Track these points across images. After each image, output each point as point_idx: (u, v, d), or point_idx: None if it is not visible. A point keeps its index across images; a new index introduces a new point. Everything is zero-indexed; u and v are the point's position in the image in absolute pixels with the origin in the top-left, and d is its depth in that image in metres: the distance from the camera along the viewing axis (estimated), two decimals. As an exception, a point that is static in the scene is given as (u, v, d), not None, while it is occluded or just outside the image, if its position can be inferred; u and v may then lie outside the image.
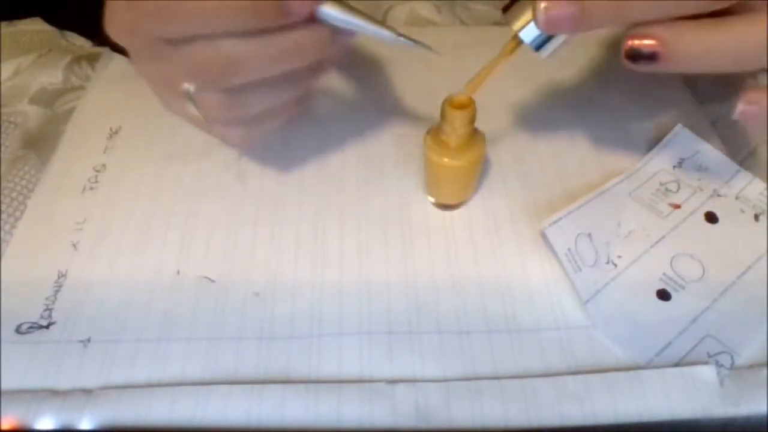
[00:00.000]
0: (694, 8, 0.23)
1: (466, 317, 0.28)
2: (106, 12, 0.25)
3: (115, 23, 0.25)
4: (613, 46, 0.41)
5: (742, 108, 0.25)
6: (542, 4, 0.22)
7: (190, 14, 0.21)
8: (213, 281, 0.29)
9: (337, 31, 0.24)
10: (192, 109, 0.26)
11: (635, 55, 0.24)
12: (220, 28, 0.22)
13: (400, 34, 0.24)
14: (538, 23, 0.23)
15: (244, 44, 0.23)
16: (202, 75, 0.23)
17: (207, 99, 0.25)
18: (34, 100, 0.40)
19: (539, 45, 0.25)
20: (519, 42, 0.25)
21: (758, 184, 0.31)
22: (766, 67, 0.23)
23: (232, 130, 0.27)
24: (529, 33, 0.24)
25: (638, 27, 0.23)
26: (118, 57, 0.40)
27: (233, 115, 0.26)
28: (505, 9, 0.25)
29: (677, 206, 0.31)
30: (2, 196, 0.33)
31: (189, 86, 0.25)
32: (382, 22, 0.24)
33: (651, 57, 0.23)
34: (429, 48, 0.25)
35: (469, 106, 0.27)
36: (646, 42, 0.23)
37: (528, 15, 0.24)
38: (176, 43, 0.23)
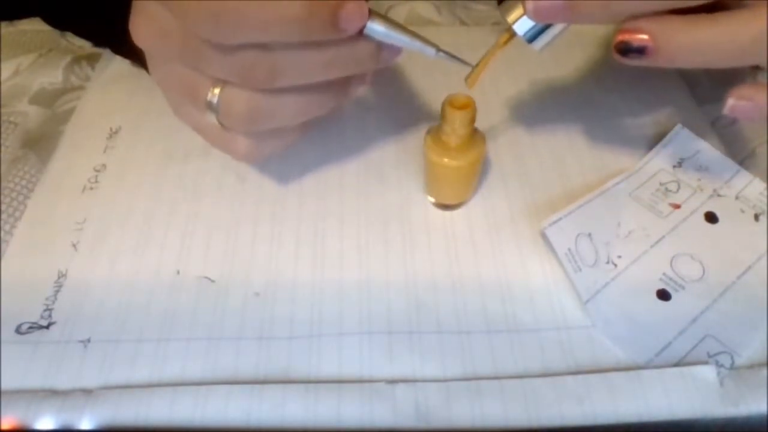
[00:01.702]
0: (681, 2, 0.23)
1: (466, 317, 0.28)
2: (133, 14, 0.25)
3: (144, 26, 0.25)
4: (613, 46, 0.41)
5: (732, 103, 0.25)
6: None
7: (249, 22, 0.21)
8: (213, 281, 0.29)
9: (382, 47, 0.25)
10: (210, 118, 0.26)
11: (625, 49, 0.24)
12: (275, 38, 0.22)
13: (441, 50, 0.25)
14: (528, 12, 0.24)
15: (294, 53, 0.23)
16: (249, 79, 0.24)
17: (233, 108, 0.25)
18: (34, 100, 0.40)
19: (532, 37, 0.25)
20: (512, 34, 0.26)
21: (758, 184, 0.31)
22: (759, 63, 0.23)
23: (242, 143, 0.28)
24: (522, 25, 0.25)
25: (629, 21, 0.24)
26: (118, 57, 0.40)
27: (254, 126, 0.26)
28: (501, 1, 0.25)
29: (677, 206, 0.31)
30: (2, 196, 0.33)
31: (213, 96, 0.25)
32: (424, 38, 0.25)
33: (641, 51, 0.24)
34: (468, 64, 0.27)
35: (469, 106, 0.27)
36: (636, 36, 0.23)
37: (521, 8, 0.24)
38: (226, 48, 0.23)
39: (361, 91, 0.28)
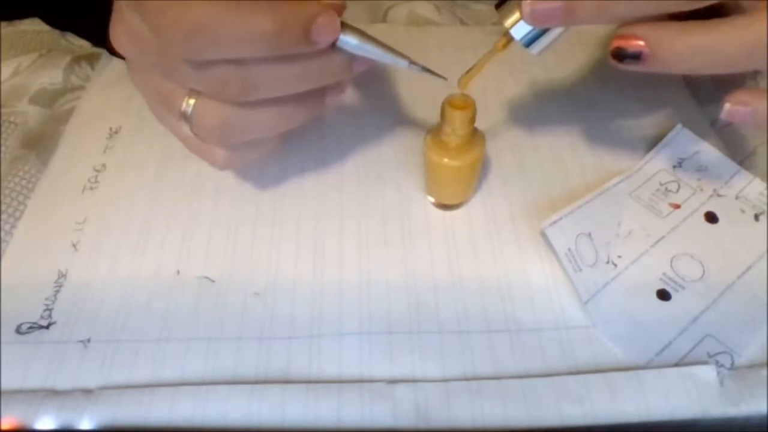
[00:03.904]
0: (677, 6, 0.23)
1: (466, 317, 0.28)
2: (112, 23, 0.25)
3: (121, 35, 0.25)
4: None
5: (729, 108, 0.25)
6: None
7: (222, 39, 0.21)
8: (213, 281, 0.29)
9: (354, 58, 0.25)
10: (185, 128, 0.26)
11: (621, 55, 0.24)
12: (248, 54, 0.23)
13: (413, 62, 0.26)
14: (525, 16, 0.24)
15: (268, 67, 0.23)
16: (223, 93, 0.24)
17: (206, 121, 0.25)
18: (34, 100, 0.40)
19: (529, 41, 0.25)
20: (510, 38, 0.26)
21: (758, 184, 0.31)
22: (757, 69, 0.23)
23: (219, 153, 0.28)
24: (520, 30, 0.25)
25: (625, 27, 0.24)
26: (118, 57, 0.40)
27: (228, 139, 0.26)
28: (498, 6, 0.26)
29: (677, 206, 0.31)
30: (2, 196, 0.33)
31: (187, 106, 0.25)
32: (396, 51, 0.25)
33: (636, 57, 0.24)
34: (441, 76, 0.27)
35: (469, 106, 0.27)
36: (632, 42, 0.24)
37: (519, 12, 0.24)
38: (200, 63, 0.23)
39: (338, 101, 0.29)
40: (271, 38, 0.22)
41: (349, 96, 0.38)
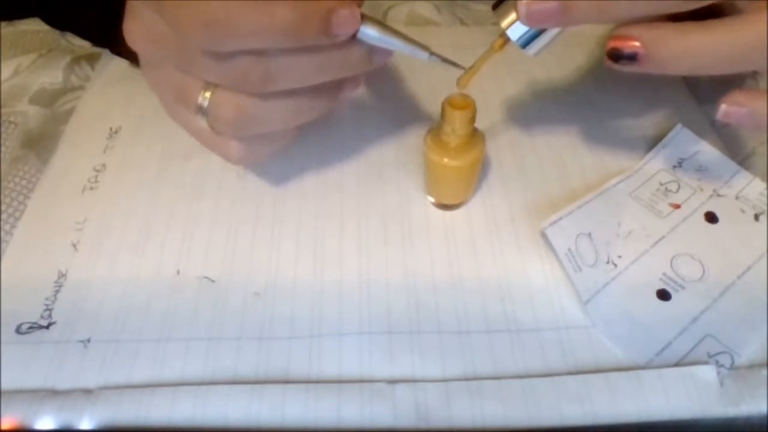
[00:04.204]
0: (674, 6, 0.23)
1: (466, 317, 0.28)
2: (127, 18, 0.25)
3: (136, 33, 0.25)
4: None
5: (725, 109, 0.25)
6: None
7: (242, 31, 0.21)
8: (213, 281, 0.29)
9: (374, 50, 0.25)
10: (201, 122, 0.26)
11: (617, 56, 0.24)
12: (268, 45, 0.23)
13: (433, 54, 0.26)
14: (521, 17, 0.24)
15: (287, 59, 0.23)
16: (243, 84, 0.24)
17: (223, 112, 0.25)
18: (34, 100, 0.40)
19: (525, 42, 0.25)
20: (506, 39, 0.26)
21: (758, 184, 0.31)
22: (754, 69, 0.23)
23: (234, 146, 0.28)
24: (516, 30, 0.25)
25: (621, 28, 0.24)
26: (118, 57, 0.40)
27: (244, 131, 0.26)
28: (495, 7, 0.26)
29: (677, 206, 0.31)
30: (2, 196, 0.33)
31: (203, 99, 0.25)
32: (416, 42, 0.25)
33: (632, 58, 0.24)
34: (461, 66, 0.27)
35: (469, 106, 0.27)
36: (628, 43, 0.24)
37: (515, 13, 0.24)
38: (219, 55, 0.23)
39: (353, 94, 0.28)
40: (291, 30, 0.22)
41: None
